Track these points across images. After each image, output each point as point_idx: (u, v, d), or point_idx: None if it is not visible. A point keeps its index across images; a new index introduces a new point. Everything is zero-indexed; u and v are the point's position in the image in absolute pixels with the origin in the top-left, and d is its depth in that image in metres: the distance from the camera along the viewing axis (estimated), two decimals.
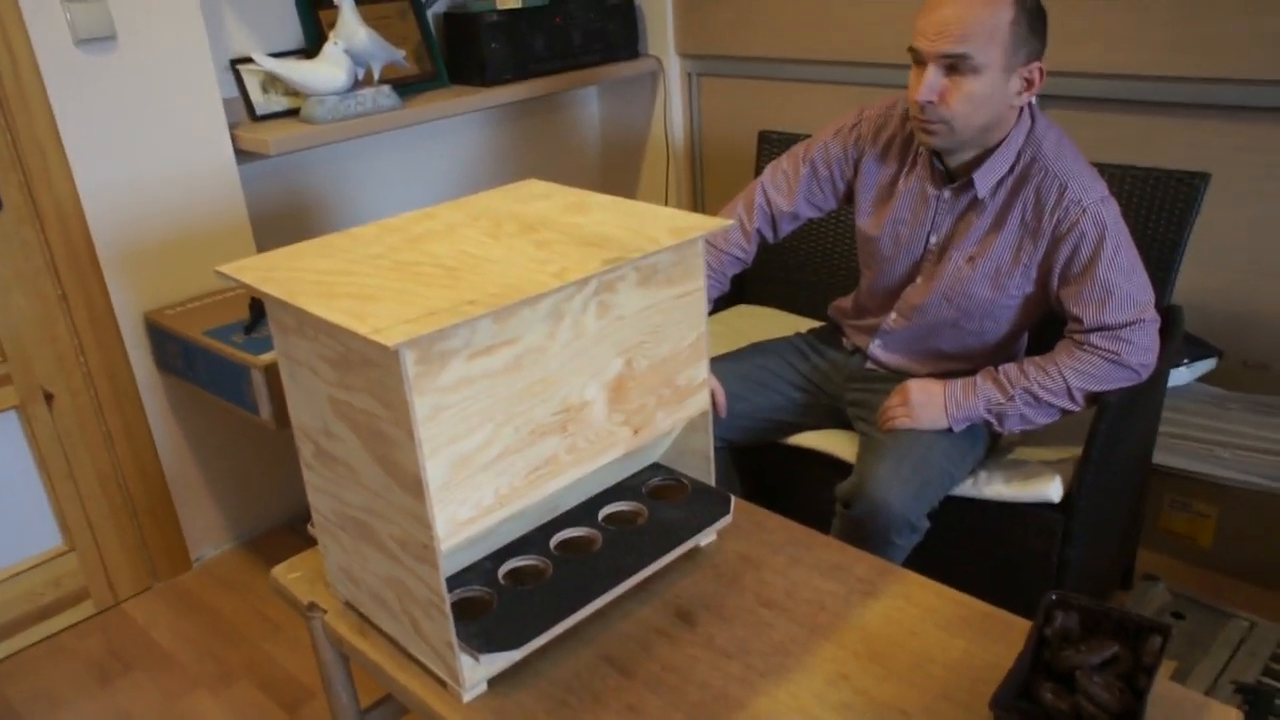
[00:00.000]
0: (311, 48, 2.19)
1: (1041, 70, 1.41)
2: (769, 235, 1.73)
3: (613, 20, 2.59)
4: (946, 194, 1.54)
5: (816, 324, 1.91)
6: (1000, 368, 1.51)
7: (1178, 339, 1.64)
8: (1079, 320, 1.45)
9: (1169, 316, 1.60)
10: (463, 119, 2.58)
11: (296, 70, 2.03)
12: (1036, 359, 1.49)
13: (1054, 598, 1.03)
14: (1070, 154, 1.46)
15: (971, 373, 1.54)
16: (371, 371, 0.94)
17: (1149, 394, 1.59)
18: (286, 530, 2.32)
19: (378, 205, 2.47)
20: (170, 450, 2.10)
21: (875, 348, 1.70)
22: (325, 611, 1.21)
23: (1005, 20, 1.36)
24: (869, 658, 1.08)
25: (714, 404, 1.61)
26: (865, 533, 1.46)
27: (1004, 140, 1.47)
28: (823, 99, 2.46)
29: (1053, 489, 1.51)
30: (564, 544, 1.19)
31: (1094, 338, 1.44)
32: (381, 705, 1.39)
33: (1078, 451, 1.52)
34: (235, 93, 2.12)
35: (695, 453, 1.30)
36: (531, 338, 0.99)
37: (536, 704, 1.05)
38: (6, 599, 1.95)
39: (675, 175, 2.85)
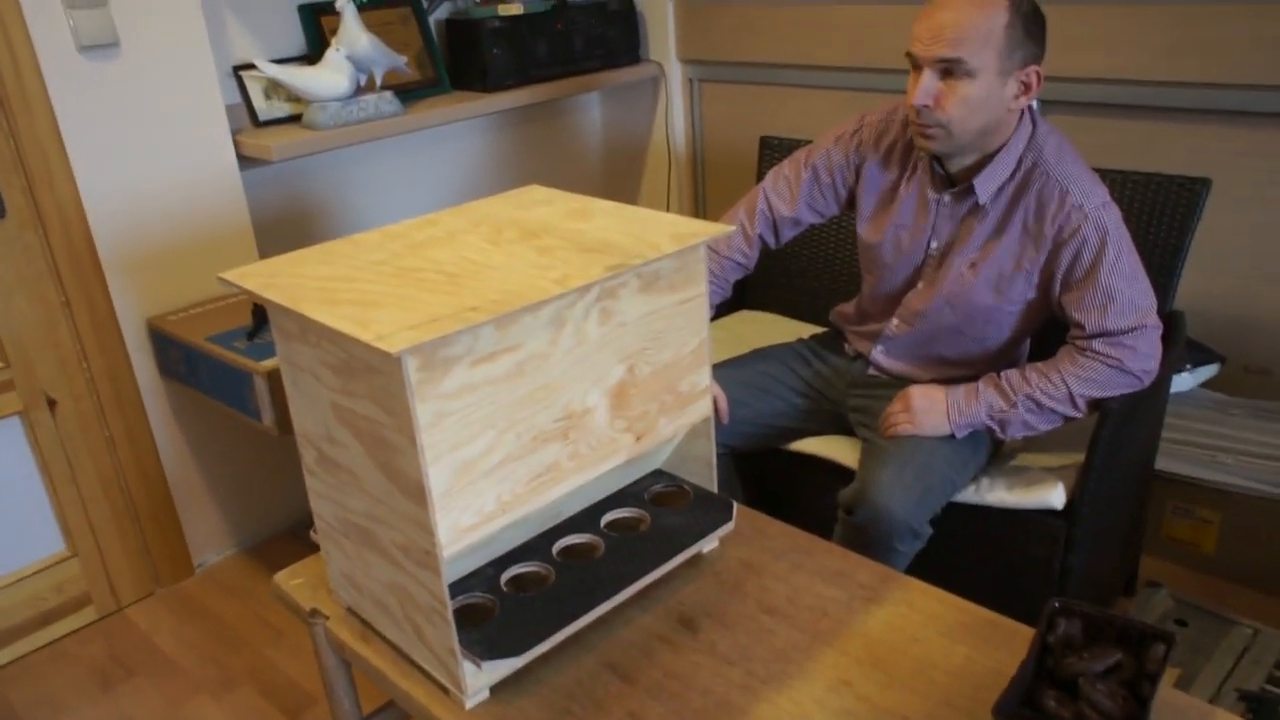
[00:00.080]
0: (314, 54, 2.20)
1: (1039, 74, 1.41)
2: (771, 241, 1.73)
3: (614, 26, 2.59)
4: (947, 199, 1.54)
5: (818, 330, 1.91)
6: (1002, 374, 1.51)
7: (1180, 345, 1.64)
8: (1081, 326, 1.45)
9: (1171, 322, 1.60)
10: (464, 125, 2.59)
11: (299, 76, 2.04)
12: (1039, 365, 1.49)
13: (1057, 605, 1.03)
14: (1071, 159, 1.46)
15: (974, 379, 1.54)
16: (374, 378, 0.94)
17: (1151, 400, 1.59)
18: (288, 536, 2.32)
19: (380, 211, 2.47)
20: (173, 456, 2.10)
21: (877, 354, 1.69)
22: (327, 617, 1.21)
23: (1000, 24, 1.36)
24: (871, 664, 1.08)
25: (716, 410, 1.61)
26: (867, 539, 1.46)
27: (1005, 145, 1.47)
28: (824, 105, 2.46)
29: (1055, 495, 1.51)
30: (566, 550, 1.19)
31: (1096, 344, 1.44)
32: (383, 711, 1.39)
33: (1080, 458, 1.52)
34: (238, 99, 2.12)
35: (697, 459, 1.30)
36: (533, 344, 0.99)
37: (539, 711, 1.04)
38: (9, 604, 1.95)
39: (677, 181, 2.86)
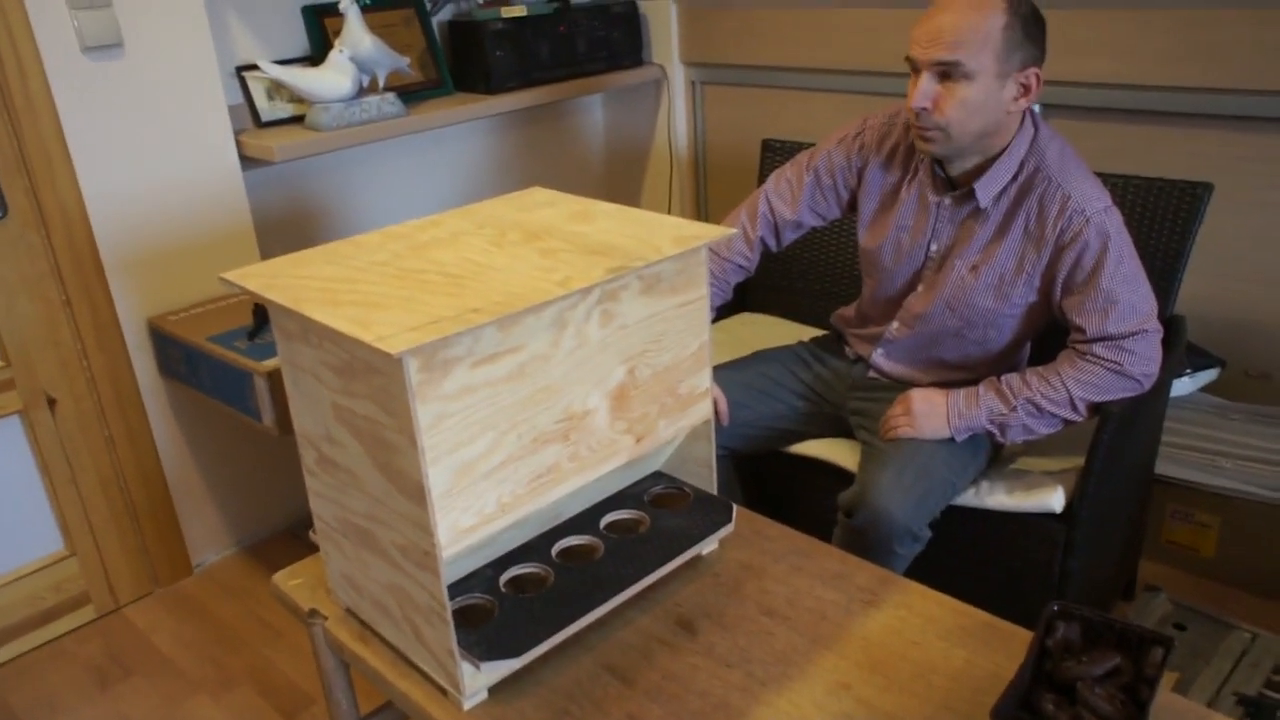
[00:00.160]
0: (317, 55, 2.20)
1: (1038, 76, 1.41)
2: (772, 244, 1.73)
3: (617, 28, 2.59)
4: (947, 201, 1.54)
5: (819, 333, 1.91)
6: (1003, 378, 1.51)
7: (1180, 349, 1.64)
8: (1082, 330, 1.45)
9: (1172, 326, 1.60)
10: (467, 126, 2.59)
11: (302, 77, 2.04)
12: (1039, 369, 1.49)
13: (1056, 608, 1.03)
14: (1073, 163, 1.47)
15: (974, 382, 1.54)
16: (375, 379, 0.94)
17: (1151, 404, 1.59)
18: (287, 536, 2.32)
19: (382, 212, 2.47)
20: (172, 455, 2.10)
21: (878, 357, 1.70)
22: (326, 618, 1.21)
23: (997, 26, 1.36)
24: (870, 667, 1.08)
25: (716, 412, 1.61)
26: (867, 542, 1.46)
27: (1006, 149, 1.47)
28: (826, 108, 2.47)
29: (1055, 499, 1.51)
30: (565, 552, 1.19)
31: (1097, 348, 1.44)
32: (381, 712, 1.39)
33: (1080, 462, 1.52)
34: (240, 99, 2.13)
35: (697, 461, 1.30)
36: (535, 346, 1.00)
37: (537, 712, 1.04)
38: (7, 603, 1.95)
39: (679, 183, 2.86)
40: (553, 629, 1.07)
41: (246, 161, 2.07)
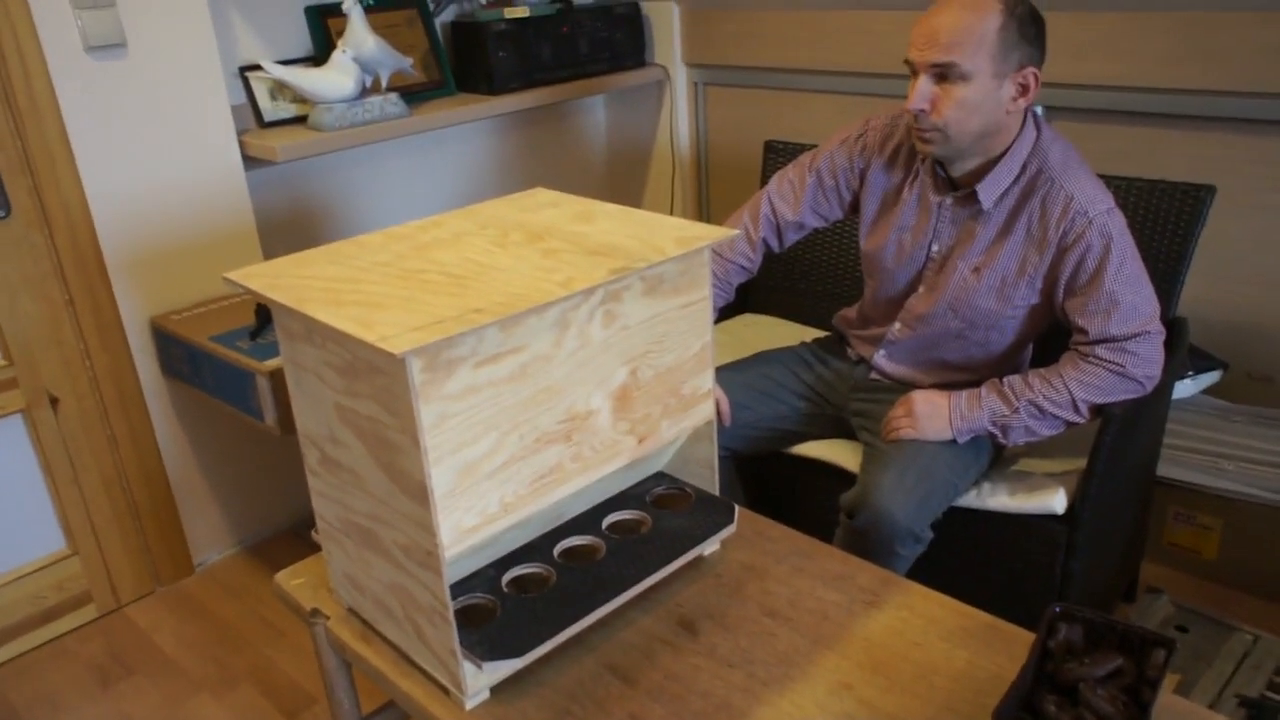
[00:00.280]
0: (320, 55, 2.20)
1: (1036, 76, 1.41)
2: (774, 245, 1.73)
3: (620, 29, 2.60)
4: (949, 202, 1.54)
5: (821, 334, 1.91)
6: (1005, 379, 1.51)
7: (1183, 351, 1.64)
8: (1084, 332, 1.45)
9: (1174, 329, 1.60)
10: (470, 127, 2.59)
11: (305, 78, 2.04)
12: (1041, 371, 1.49)
13: (1058, 610, 1.03)
14: (1076, 165, 1.47)
15: (976, 384, 1.54)
16: (378, 379, 0.94)
17: (1153, 406, 1.59)
18: (289, 536, 2.32)
19: (384, 212, 2.48)
20: (174, 455, 2.11)
21: (880, 358, 1.70)
22: (328, 617, 1.21)
23: (993, 27, 1.37)
24: (872, 668, 1.08)
25: (718, 413, 1.61)
26: (869, 543, 1.46)
27: (1008, 150, 1.47)
28: (828, 109, 2.47)
29: (1057, 501, 1.51)
30: (568, 552, 1.19)
31: (1099, 349, 1.44)
32: (383, 712, 1.39)
33: (1082, 463, 1.52)
34: (243, 99, 2.13)
35: (699, 462, 1.30)
36: (538, 346, 1.00)
37: (539, 712, 1.05)
38: (9, 602, 1.96)
39: (681, 184, 2.86)
40: (555, 629, 1.07)
41: (249, 161, 2.07)
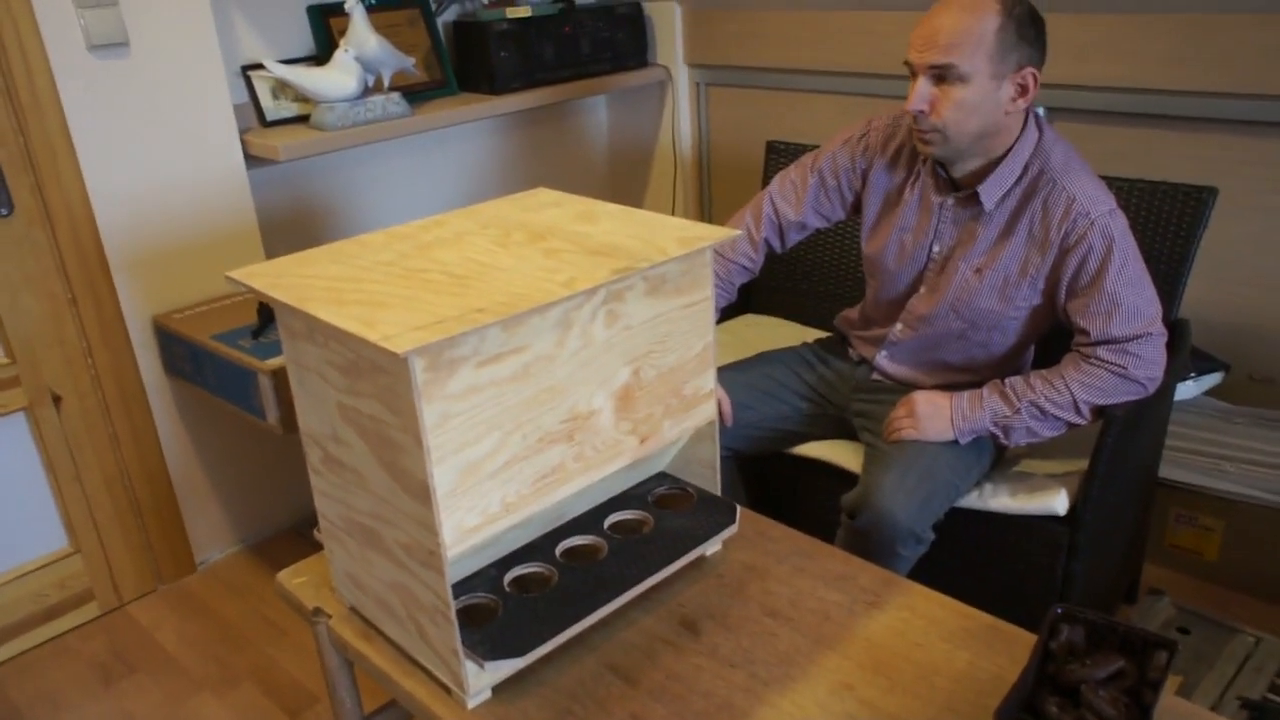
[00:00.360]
0: (322, 54, 2.20)
1: (1035, 76, 1.41)
2: (776, 245, 1.73)
3: (622, 29, 2.60)
4: (950, 202, 1.54)
5: (823, 334, 1.91)
6: (1007, 381, 1.51)
7: (1184, 353, 1.64)
8: (1086, 333, 1.45)
9: (1176, 330, 1.60)
10: (471, 126, 2.59)
11: (307, 77, 2.04)
12: (1043, 372, 1.49)
13: (1059, 611, 1.03)
14: (1078, 166, 1.47)
15: (978, 385, 1.54)
16: (380, 378, 0.94)
17: (1155, 408, 1.59)
18: (291, 534, 2.32)
19: (386, 212, 2.48)
20: (176, 453, 2.11)
21: (882, 359, 1.70)
22: (330, 616, 1.21)
23: (990, 29, 1.37)
24: (873, 669, 1.08)
25: (720, 413, 1.61)
26: (870, 543, 1.46)
27: (1010, 151, 1.47)
28: (830, 110, 2.47)
29: (1058, 502, 1.51)
30: (569, 552, 1.19)
31: (1100, 351, 1.44)
32: (385, 711, 1.39)
33: (1084, 465, 1.52)
34: (246, 98, 2.13)
35: (701, 462, 1.30)
36: (540, 346, 1.00)
37: (540, 711, 1.05)
38: (12, 600, 1.96)
39: (682, 184, 2.86)
40: (556, 629, 1.07)
41: (251, 160, 2.07)
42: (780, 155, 2.18)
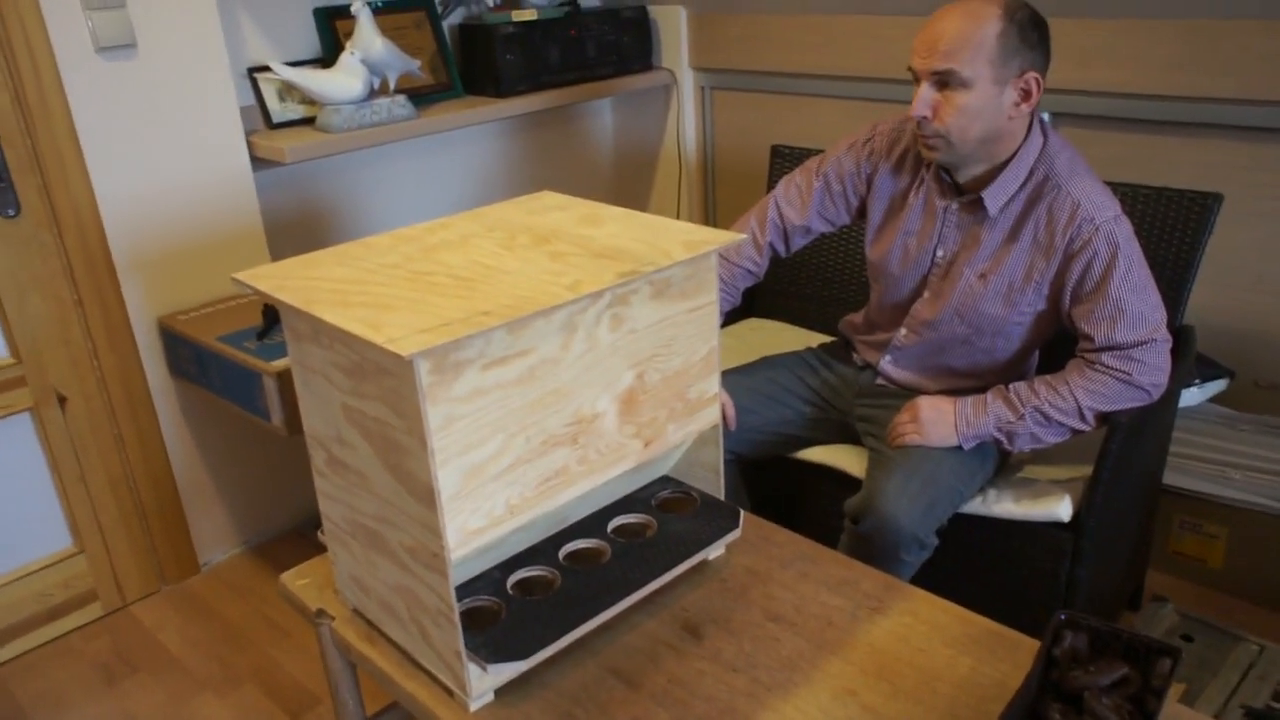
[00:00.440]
0: (328, 57, 2.21)
1: (1038, 81, 1.41)
2: (781, 249, 1.74)
3: (627, 33, 2.60)
4: (954, 207, 1.54)
5: (827, 339, 1.91)
6: (1011, 386, 1.51)
7: (1189, 359, 1.64)
8: (1090, 339, 1.45)
9: (1181, 336, 1.60)
10: (477, 129, 2.60)
11: (313, 79, 2.05)
12: (1047, 378, 1.49)
13: (1063, 617, 1.03)
14: (1083, 172, 1.47)
15: (982, 390, 1.54)
16: (386, 380, 0.94)
17: (1160, 414, 1.59)
18: (294, 536, 2.32)
19: (391, 214, 2.48)
20: (181, 454, 2.11)
21: (886, 364, 1.70)
22: (333, 618, 1.21)
23: (992, 34, 1.37)
24: (876, 674, 1.08)
25: (723, 417, 1.61)
26: (873, 548, 1.46)
27: (1014, 156, 1.47)
28: (835, 114, 2.47)
29: (1062, 508, 1.51)
30: (573, 555, 1.19)
31: (1105, 357, 1.44)
32: (387, 713, 1.39)
33: (1088, 471, 1.52)
34: (252, 101, 2.14)
35: (705, 466, 1.30)
36: (545, 349, 1.00)
37: (543, 715, 1.05)
38: (16, 599, 1.96)
39: (687, 188, 2.86)
40: (559, 632, 1.07)
41: (257, 162, 2.07)
42: (785, 159, 2.19)
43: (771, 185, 2.14)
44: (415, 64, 2.17)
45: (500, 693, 1.07)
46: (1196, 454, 1.91)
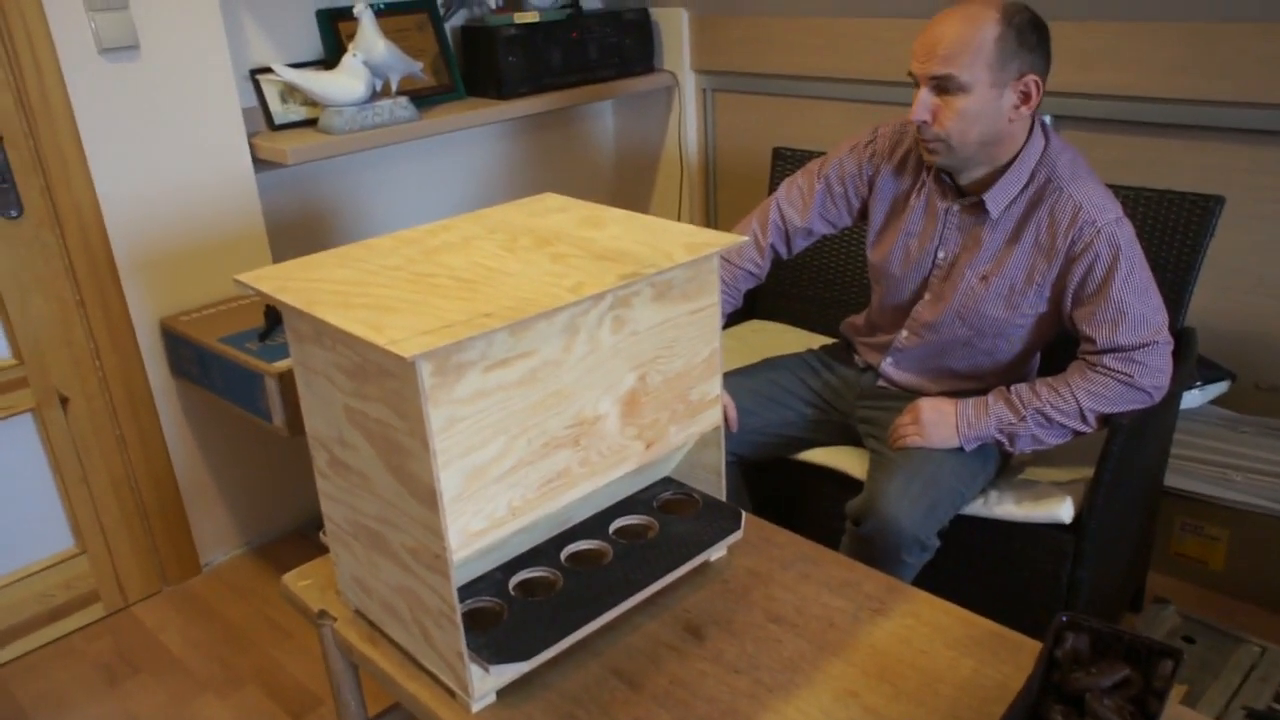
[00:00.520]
0: (330, 59, 2.21)
1: (1038, 83, 1.41)
2: (783, 251, 1.74)
3: (629, 35, 2.60)
4: (955, 208, 1.54)
5: (828, 340, 1.91)
6: (1012, 388, 1.51)
7: (1191, 361, 1.64)
8: (1092, 341, 1.45)
9: (1182, 339, 1.60)
10: (479, 131, 2.60)
11: (315, 81, 2.05)
12: (1049, 379, 1.49)
13: (1064, 619, 1.03)
14: (1085, 174, 1.47)
15: (983, 392, 1.54)
16: (388, 382, 0.94)
17: (1161, 416, 1.59)
18: (296, 537, 2.32)
19: (393, 216, 2.48)
20: (183, 455, 2.11)
21: (887, 365, 1.70)
22: (335, 619, 1.22)
23: (989, 38, 1.37)
24: (878, 676, 1.08)
25: (725, 418, 1.61)
26: (875, 550, 1.46)
27: (1016, 159, 1.47)
28: (836, 116, 2.47)
29: (1064, 510, 1.51)
30: (574, 556, 1.19)
31: (1107, 359, 1.44)
32: (389, 714, 1.39)
33: (1089, 472, 1.52)
34: (254, 102, 2.14)
35: (706, 467, 1.30)
36: (547, 351, 1.00)
37: (544, 716, 1.05)
38: (17, 600, 1.97)
39: (689, 190, 2.86)
40: (561, 633, 1.07)
41: (259, 164, 2.08)
42: (787, 161, 2.19)
43: (773, 187, 2.14)
44: (417, 66, 2.18)
45: (502, 694, 1.07)
46: (1198, 456, 1.91)
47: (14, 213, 1.80)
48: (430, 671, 1.10)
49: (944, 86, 1.41)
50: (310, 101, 2.16)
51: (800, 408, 1.74)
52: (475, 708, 1.05)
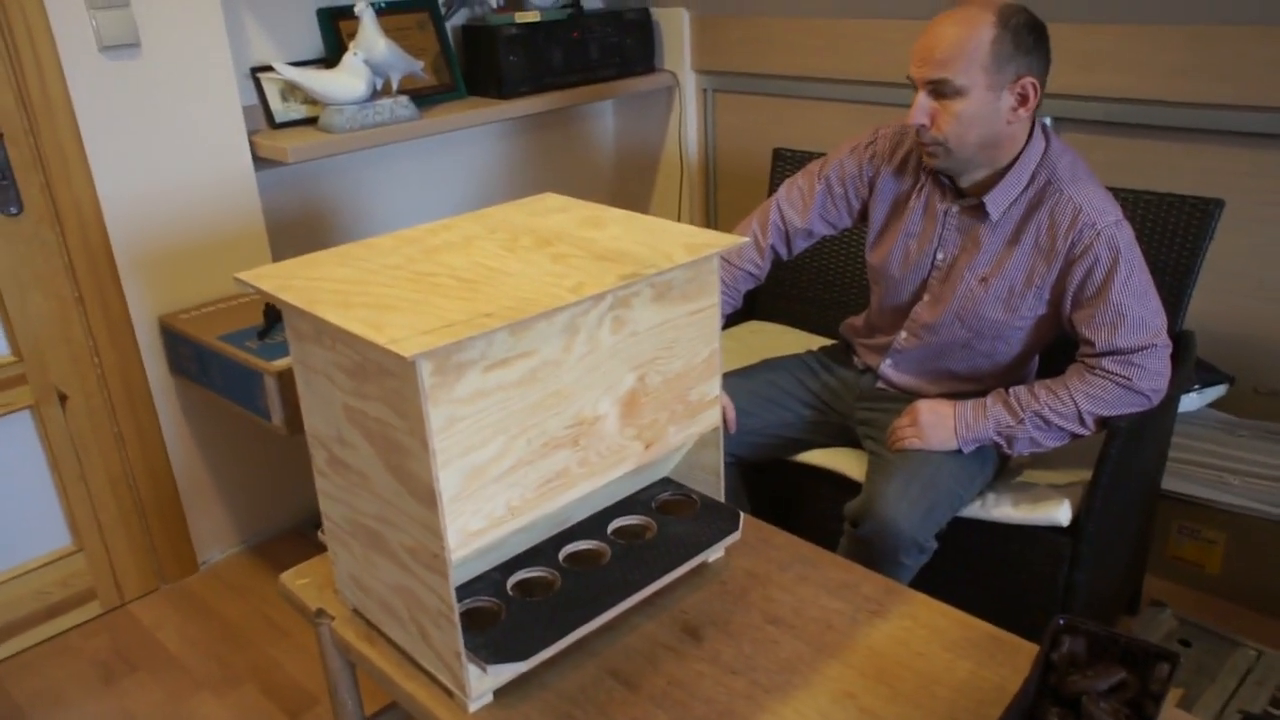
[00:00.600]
0: (331, 57, 2.21)
1: (1035, 85, 1.41)
2: (783, 252, 1.74)
3: (630, 35, 2.60)
4: (955, 210, 1.55)
5: (828, 342, 1.91)
6: (1011, 390, 1.51)
7: (1189, 365, 1.64)
8: (1091, 344, 1.45)
9: (1181, 342, 1.60)
10: (479, 130, 2.60)
11: (316, 79, 2.05)
12: (1047, 382, 1.49)
13: (1061, 622, 1.03)
14: (1085, 176, 1.47)
15: (982, 394, 1.54)
16: (387, 381, 0.94)
17: (1159, 419, 1.59)
18: (294, 535, 2.32)
19: (393, 215, 2.48)
20: (181, 453, 2.11)
21: (886, 367, 1.70)
22: (333, 618, 1.22)
23: (985, 40, 1.37)
24: (875, 677, 1.08)
25: (724, 419, 1.61)
26: (873, 552, 1.46)
27: (1016, 161, 1.47)
28: (837, 117, 2.47)
29: (1061, 512, 1.51)
30: (573, 556, 1.19)
31: (1105, 362, 1.44)
32: (386, 713, 1.39)
33: (1087, 475, 1.52)
34: (255, 100, 2.14)
35: (705, 468, 1.30)
36: (547, 351, 1.00)
37: (542, 716, 1.05)
38: (14, 597, 1.96)
39: (689, 191, 2.87)
40: (559, 633, 1.07)
41: (260, 162, 2.08)
42: (787, 162, 2.19)
43: (773, 188, 2.14)
44: (418, 65, 2.18)
45: (499, 694, 1.07)
46: (1195, 459, 1.91)
47: (14, 210, 1.80)
48: (428, 671, 1.10)
49: (941, 90, 1.41)
50: (311, 100, 2.16)
51: (799, 409, 1.74)
52: (472, 707, 1.05)
